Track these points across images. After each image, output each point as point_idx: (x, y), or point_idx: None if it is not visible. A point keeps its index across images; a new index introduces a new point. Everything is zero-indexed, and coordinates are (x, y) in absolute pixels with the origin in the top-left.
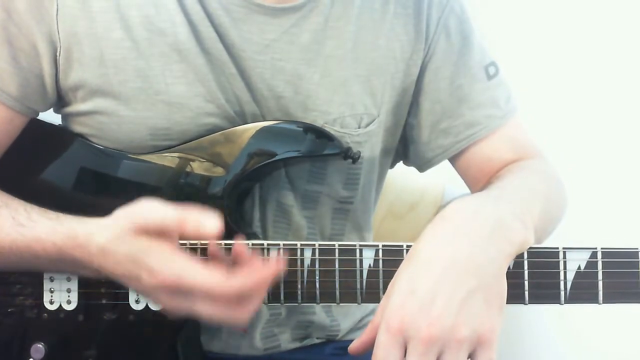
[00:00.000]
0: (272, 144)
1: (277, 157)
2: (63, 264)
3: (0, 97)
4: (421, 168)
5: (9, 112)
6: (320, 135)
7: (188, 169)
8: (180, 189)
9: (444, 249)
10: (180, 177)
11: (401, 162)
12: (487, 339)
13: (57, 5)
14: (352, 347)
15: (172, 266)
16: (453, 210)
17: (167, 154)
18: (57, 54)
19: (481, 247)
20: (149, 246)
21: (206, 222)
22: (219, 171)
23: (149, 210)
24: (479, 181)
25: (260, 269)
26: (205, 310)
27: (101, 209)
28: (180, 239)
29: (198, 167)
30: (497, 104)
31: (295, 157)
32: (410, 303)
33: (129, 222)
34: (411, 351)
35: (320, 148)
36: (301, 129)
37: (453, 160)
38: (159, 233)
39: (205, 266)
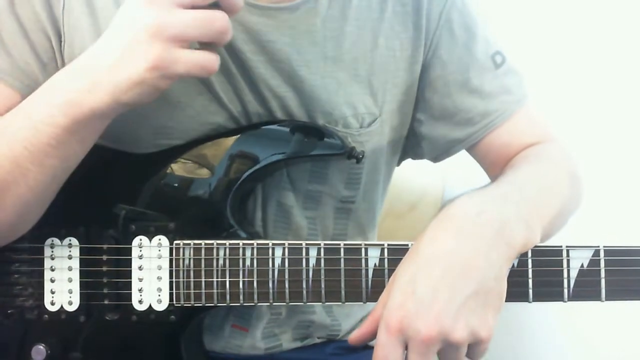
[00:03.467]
0: (273, 143)
1: (281, 157)
2: (78, 134)
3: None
4: (436, 159)
5: None
6: (324, 135)
7: (192, 170)
8: (187, 188)
9: (445, 250)
10: (186, 177)
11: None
12: (483, 339)
13: (64, 0)
14: (352, 337)
15: None
16: (457, 209)
17: (169, 154)
18: (62, 48)
19: (482, 251)
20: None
21: None
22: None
23: None
24: (497, 166)
25: None
26: (181, 18)
27: (99, 208)
28: None
29: (198, 168)
30: (509, 90)
31: (298, 157)
32: (409, 303)
33: None
34: (411, 351)
35: (324, 148)
36: (304, 128)
37: (470, 148)
38: None
39: None
